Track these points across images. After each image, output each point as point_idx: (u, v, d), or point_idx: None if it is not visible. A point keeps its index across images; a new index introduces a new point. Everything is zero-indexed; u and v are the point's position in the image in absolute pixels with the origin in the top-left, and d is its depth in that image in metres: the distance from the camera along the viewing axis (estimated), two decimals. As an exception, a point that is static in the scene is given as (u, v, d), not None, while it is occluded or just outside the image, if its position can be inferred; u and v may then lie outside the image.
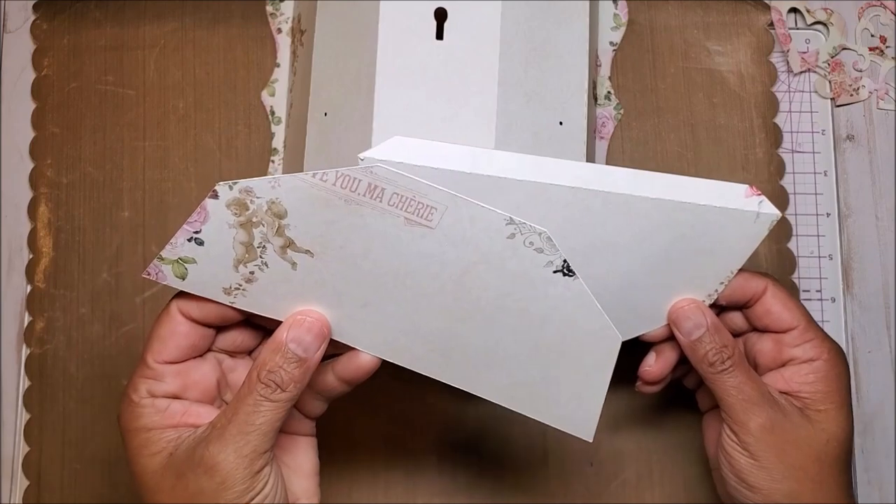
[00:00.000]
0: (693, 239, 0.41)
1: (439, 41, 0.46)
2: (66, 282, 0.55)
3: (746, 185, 0.41)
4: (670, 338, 0.43)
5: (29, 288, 0.55)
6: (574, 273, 0.39)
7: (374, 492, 0.53)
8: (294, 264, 0.39)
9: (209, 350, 0.41)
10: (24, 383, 0.54)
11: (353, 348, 0.40)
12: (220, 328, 0.41)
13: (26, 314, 0.55)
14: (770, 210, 0.41)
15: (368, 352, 0.40)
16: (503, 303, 0.39)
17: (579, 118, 0.48)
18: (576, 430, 0.41)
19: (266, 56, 0.56)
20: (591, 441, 0.41)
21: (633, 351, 0.45)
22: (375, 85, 0.45)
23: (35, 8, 0.58)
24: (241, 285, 0.39)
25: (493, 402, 0.42)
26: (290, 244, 0.39)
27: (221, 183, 0.38)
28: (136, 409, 0.38)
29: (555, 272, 0.39)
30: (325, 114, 0.49)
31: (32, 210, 0.56)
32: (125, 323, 0.54)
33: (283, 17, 0.56)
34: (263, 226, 0.38)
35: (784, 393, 0.42)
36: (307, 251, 0.39)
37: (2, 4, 0.58)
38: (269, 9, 0.56)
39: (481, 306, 0.40)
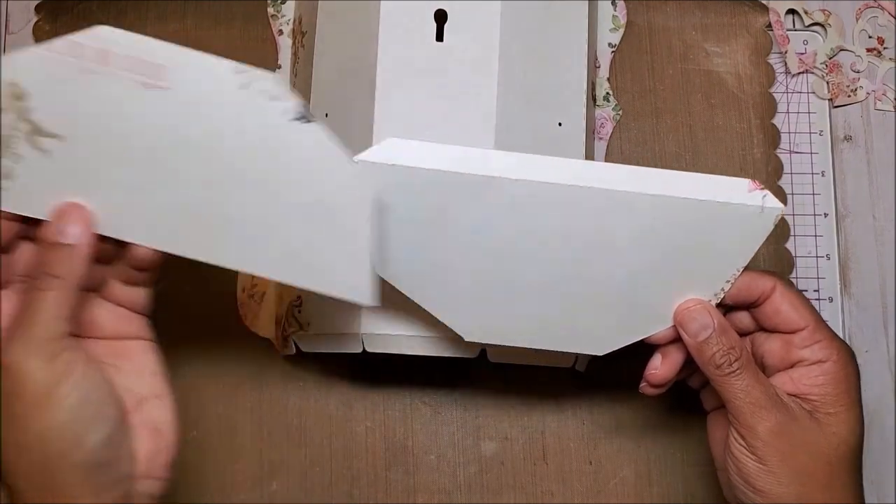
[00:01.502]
0: (696, 235, 0.40)
1: (439, 43, 0.46)
2: (68, 282, 0.55)
3: (749, 180, 0.40)
4: (676, 339, 0.43)
5: (31, 288, 0.55)
6: (313, 118, 0.37)
7: (375, 490, 0.53)
8: (46, 152, 0.37)
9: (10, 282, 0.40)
10: (27, 382, 0.54)
11: None
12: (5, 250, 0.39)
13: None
14: (774, 204, 0.40)
15: (142, 244, 0.39)
16: (253, 164, 0.37)
17: (578, 119, 0.48)
18: (354, 295, 0.39)
19: (267, 57, 0.56)
20: (371, 304, 0.39)
21: (637, 352, 0.45)
22: (376, 86, 0.46)
23: (37, 9, 0.58)
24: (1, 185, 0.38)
25: (273, 278, 0.40)
26: (36, 129, 0.37)
27: None
28: None
29: (292, 120, 0.37)
30: (326, 115, 0.49)
31: (35, 210, 0.56)
32: (127, 322, 0.54)
33: (285, 18, 0.56)
34: (11, 112, 0.36)
35: (792, 395, 0.42)
36: (55, 136, 0.37)
37: (4, 6, 0.58)
38: (270, 11, 0.56)
39: (234, 172, 0.38)
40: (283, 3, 0.56)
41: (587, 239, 0.40)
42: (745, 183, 0.40)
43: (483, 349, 0.46)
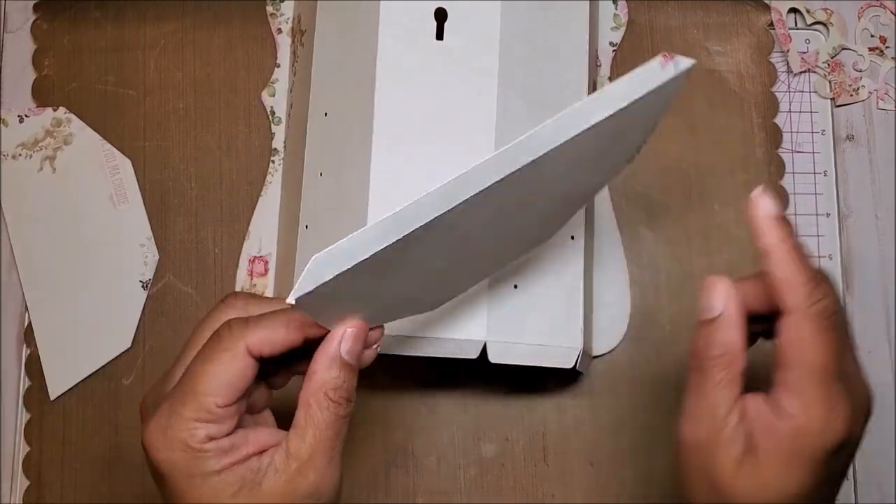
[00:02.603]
0: (626, 128, 0.39)
1: (439, 41, 0.46)
2: (66, 282, 0.55)
3: (660, 57, 0.38)
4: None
5: (29, 288, 0.55)
6: None
7: (375, 492, 0.53)
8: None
9: None
10: (25, 383, 0.54)
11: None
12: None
13: (27, 314, 0.55)
14: (685, 64, 0.38)
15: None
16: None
17: (579, 118, 0.48)
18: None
19: (266, 56, 0.56)
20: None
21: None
22: (375, 85, 0.45)
23: (35, 8, 0.58)
24: None
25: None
26: None
27: None
28: (197, 456, 0.36)
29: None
30: (326, 114, 0.49)
31: (33, 210, 0.56)
32: (125, 323, 0.54)
33: (284, 17, 0.56)
34: None
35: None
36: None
37: (2, 4, 0.58)
38: (269, 9, 0.56)
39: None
40: (282, 2, 0.56)
41: (522, 202, 0.39)
42: (656, 62, 0.38)
43: (483, 349, 0.46)
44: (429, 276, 0.40)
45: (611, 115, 0.37)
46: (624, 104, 0.37)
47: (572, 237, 0.48)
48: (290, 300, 0.34)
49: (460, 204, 0.35)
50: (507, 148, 0.35)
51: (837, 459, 0.37)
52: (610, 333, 0.53)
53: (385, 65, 0.46)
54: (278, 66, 0.56)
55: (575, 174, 0.40)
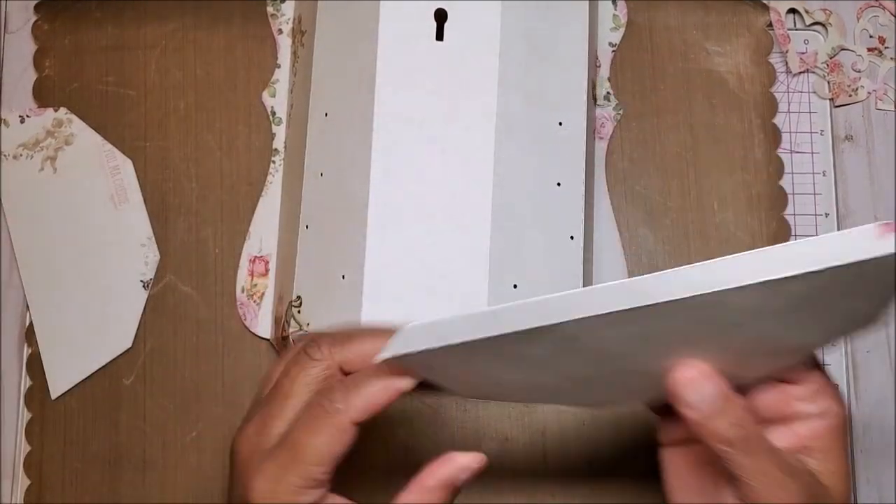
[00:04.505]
0: (830, 294, 0.31)
1: (439, 42, 0.46)
2: (67, 282, 0.55)
3: (873, 224, 0.29)
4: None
5: (30, 288, 0.55)
6: None
7: (375, 492, 0.53)
8: None
9: None
10: (26, 382, 0.54)
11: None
12: None
13: (28, 314, 0.55)
14: None
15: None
16: None
17: (579, 119, 0.48)
18: None
19: (267, 56, 0.56)
20: None
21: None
22: (375, 85, 0.46)
23: (36, 8, 0.58)
24: None
25: None
26: None
27: None
28: None
29: None
30: (326, 114, 0.49)
31: (34, 210, 0.56)
32: (126, 323, 0.54)
33: (284, 17, 0.56)
34: None
35: (794, 451, 0.37)
36: None
37: (3, 5, 0.58)
38: (269, 9, 0.56)
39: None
40: (283, 2, 0.56)
41: (680, 335, 0.34)
42: (869, 230, 0.29)
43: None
44: (540, 375, 0.37)
45: (778, 283, 0.30)
46: (802, 271, 0.30)
47: (572, 237, 0.48)
48: (383, 356, 0.35)
49: (576, 320, 0.31)
50: (648, 277, 0.32)
51: None
52: (610, 333, 0.53)
53: (385, 65, 0.46)
54: (279, 66, 0.56)
55: (757, 327, 0.33)
